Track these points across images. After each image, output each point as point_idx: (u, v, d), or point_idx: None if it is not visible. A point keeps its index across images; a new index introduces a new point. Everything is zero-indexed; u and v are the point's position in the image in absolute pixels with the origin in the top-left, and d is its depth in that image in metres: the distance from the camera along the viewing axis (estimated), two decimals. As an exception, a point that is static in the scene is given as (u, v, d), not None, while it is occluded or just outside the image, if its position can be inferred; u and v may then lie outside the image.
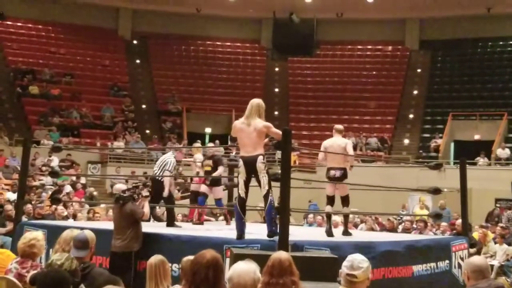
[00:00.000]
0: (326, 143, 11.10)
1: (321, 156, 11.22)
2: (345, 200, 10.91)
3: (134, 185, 9.64)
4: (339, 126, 11.54)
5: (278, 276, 5.08)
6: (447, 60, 36.53)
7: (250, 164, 8.78)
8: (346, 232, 11.09)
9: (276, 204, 8.96)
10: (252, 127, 8.78)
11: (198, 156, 14.02)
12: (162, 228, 10.63)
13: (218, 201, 12.93)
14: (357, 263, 4.78)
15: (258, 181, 8.81)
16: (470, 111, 31.38)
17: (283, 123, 30.93)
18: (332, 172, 10.72)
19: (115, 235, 9.03)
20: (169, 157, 12.02)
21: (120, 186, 9.83)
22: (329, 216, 11.03)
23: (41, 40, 35.45)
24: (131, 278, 8.51)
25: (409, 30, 37.82)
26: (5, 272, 6.37)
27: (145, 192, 9.61)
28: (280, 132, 8.78)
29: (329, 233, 10.55)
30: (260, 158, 8.75)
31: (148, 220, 11.35)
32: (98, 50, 35.60)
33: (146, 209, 9.33)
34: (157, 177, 11.85)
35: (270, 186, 8.78)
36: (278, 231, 8.60)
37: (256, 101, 9.03)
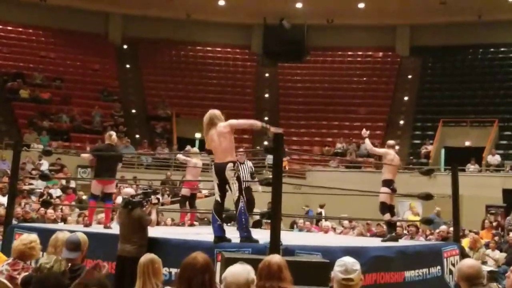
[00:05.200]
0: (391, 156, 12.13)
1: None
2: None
3: (144, 191, 9.56)
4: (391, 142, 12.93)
5: (266, 279, 5.04)
6: (437, 67, 36.65)
7: (220, 172, 8.88)
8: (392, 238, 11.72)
9: (266, 209, 8.98)
10: (216, 134, 8.86)
11: (194, 161, 14.06)
12: (153, 232, 10.57)
13: None
14: (350, 266, 4.75)
15: (229, 188, 8.88)
16: (460, 117, 31.42)
17: (274, 129, 30.92)
18: (394, 185, 11.83)
19: (123, 240, 8.99)
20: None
21: (129, 191, 9.79)
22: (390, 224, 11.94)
23: (32, 44, 35.35)
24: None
25: (399, 36, 37.87)
26: (-4, 274, 6.33)
27: (154, 199, 9.56)
28: (244, 120, 8.92)
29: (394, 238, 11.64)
30: (229, 165, 8.81)
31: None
32: (88, 54, 35.47)
33: (154, 216, 9.30)
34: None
35: (241, 193, 8.84)
36: (250, 236, 8.78)
37: (212, 111, 9.16)
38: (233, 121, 8.99)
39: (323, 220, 17.94)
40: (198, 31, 37.71)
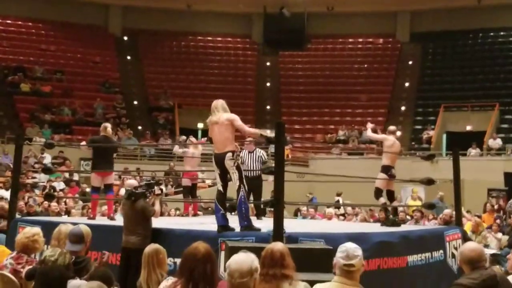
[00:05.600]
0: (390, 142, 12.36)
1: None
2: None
3: (147, 182, 9.59)
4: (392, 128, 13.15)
5: (269, 267, 5.08)
6: (438, 52, 36.61)
7: (219, 162, 8.92)
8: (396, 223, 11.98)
9: (269, 198, 9.02)
10: (219, 123, 8.91)
11: (192, 151, 14.06)
12: (157, 223, 10.62)
13: None
14: (352, 252, 4.78)
15: (230, 178, 8.91)
16: (461, 102, 31.42)
17: (275, 117, 30.96)
18: (393, 171, 12.02)
19: (127, 231, 9.01)
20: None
21: (132, 182, 9.80)
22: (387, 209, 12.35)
23: (32, 37, 35.36)
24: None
25: (400, 22, 37.83)
26: (0, 268, 6.36)
27: (157, 190, 9.59)
28: (247, 129, 9.01)
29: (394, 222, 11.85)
30: (228, 155, 8.85)
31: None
32: (89, 47, 35.44)
33: (157, 207, 9.34)
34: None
35: (241, 182, 8.87)
36: (251, 225, 8.86)
37: (218, 100, 9.20)
38: (237, 121, 8.94)
39: (326, 207, 17.94)
40: (199, 21, 37.64)
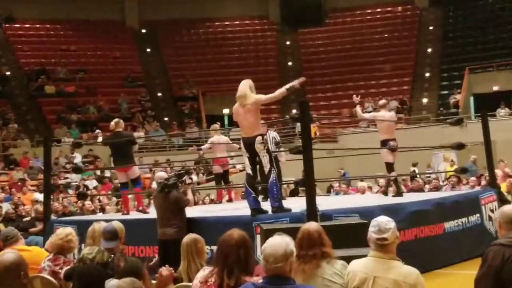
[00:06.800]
0: (379, 116, 12.38)
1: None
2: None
3: (177, 172, 9.60)
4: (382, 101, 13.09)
5: (308, 248, 5.10)
6: (458, 14, 36.23)
7: (249, 146, 8.91)
8: (399, 194, 12.24)
9: (300, 177, 9.00)
10: (245, 108, 8.86)
11: (216, 138, 14.05)
12: (191, 212, 10.65)
13: None
14: (384, 226, 4.73)
15: (260, 161, 8.92)
16: (486, 62, 31.08)
17: (300, 96, 30.86)
18: (392, 143, 11.96)
19: (162, 224, 9.04)
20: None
21: (162, 174, 9.81)
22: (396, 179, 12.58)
23: (51, 39, 35.58)
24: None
25: (417, -12, 37.51)
26: (39, 271, 6.41)
27: (187, 180, 9.61)
28: (273, 95, 8.91)
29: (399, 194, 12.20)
30: (258, 139, 8.85)
31: None
32: (108, 43, 35.60)
33: (190, 196, 9.37)
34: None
35: (272, 164, 8.88)
36: (282, 206, 8.86)
37: (245, 81, 9.11)
38: (261, 97, 8.92)
39: (359, 180, 17.87)
40: (215, 7, 37.64)
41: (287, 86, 9.14)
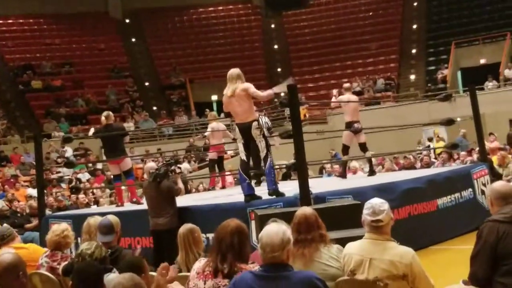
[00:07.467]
0: (342, 98, 12.48)
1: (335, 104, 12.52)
2: (366, 146, 12.50)
3: (166, 162, 9.64)
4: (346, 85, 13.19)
5: (306, 232, 5.15)
6: (442, -11, 36.16)
7: (245, 131, 8.93)
8: (373, 172, 12.77)
9: (292, 161, 9.04)
10: (236, 96, 8.84)
11: (215, 125, 14.08)
12: (185, 201, 10.67)
13: None
14: (378, 207, 4.77)
15: (256, 147, 8.91)
16: (472, 36, 31.05)
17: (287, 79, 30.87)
18: (356, 125, 12.13)
19: (154, 214, 9.09)
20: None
21: (151, 165, 9.85)
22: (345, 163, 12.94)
23: (35, 33, 35.41)
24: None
25: (399, -36, 37.38)
26: (37, 267, 6.43)
27: (177, 169, 9.64)
28: (261, 94, 8.95)
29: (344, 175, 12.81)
30: (255, 124, 8.90)
31: None
32: (92, 35, 35.42)
33: (181, 185, 9.40)
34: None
35: (268, 149, 8.94)
36: (277, 189, 8.94)
37: (232, 71, 9.09)
38: (251, 88, 8.88)
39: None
40: (198, -7, 37.54)
41: (275, 89, 9.24)
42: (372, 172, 12.91)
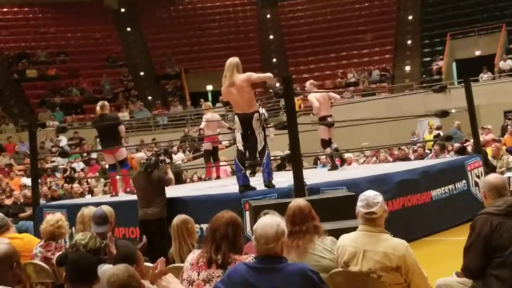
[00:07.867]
0: (317, 96, 12.41)
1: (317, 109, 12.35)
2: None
3: (156, 152, 9.66)
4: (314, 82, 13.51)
5: (301, 223, 5.16)
6: (437, -20, 36.11)
7: (246, 122, 8.90)
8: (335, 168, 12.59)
9: (286, 151, 9.06)
10: (236, 86, 8.80)
11: (210, 116, 14.09)
12: (180, 191, 10.66)
13: None
14: (372, 200, 4.78)
15: (254, 138, 8.92)
16: (467, 28, 31.03)
17: (283, 70, 30.92)
18: (330, 119, 12.26)
19: (144, 204, 9.12)
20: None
21: (141, 155, 9.86)
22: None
23: (30, 22, 35.26)
24: (166, 244, 8.57)
25: (394, -45, 37.28)
26: (31, 257, 6.43)
27: (167, 159, 9.66)
28: (264, 75, 8.98)
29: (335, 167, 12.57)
30: (256, 115, 8.89)
31: None
32: (87, 24, 35.27)
33: (171, 175, 9.43)
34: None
35: (266, 141, 8.98)
36: (271, 180, 8.93)
37: (230, 60, 9.03)
38: (253, 76, 8.92)
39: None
40: (193, -17, 37.42)
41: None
42: (334, 167, 12.67)
